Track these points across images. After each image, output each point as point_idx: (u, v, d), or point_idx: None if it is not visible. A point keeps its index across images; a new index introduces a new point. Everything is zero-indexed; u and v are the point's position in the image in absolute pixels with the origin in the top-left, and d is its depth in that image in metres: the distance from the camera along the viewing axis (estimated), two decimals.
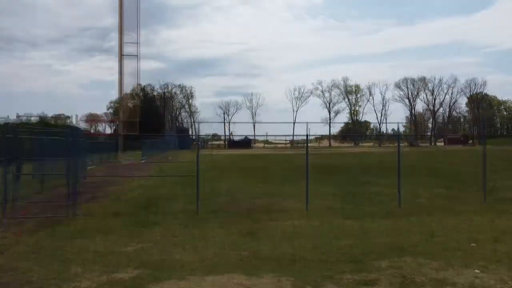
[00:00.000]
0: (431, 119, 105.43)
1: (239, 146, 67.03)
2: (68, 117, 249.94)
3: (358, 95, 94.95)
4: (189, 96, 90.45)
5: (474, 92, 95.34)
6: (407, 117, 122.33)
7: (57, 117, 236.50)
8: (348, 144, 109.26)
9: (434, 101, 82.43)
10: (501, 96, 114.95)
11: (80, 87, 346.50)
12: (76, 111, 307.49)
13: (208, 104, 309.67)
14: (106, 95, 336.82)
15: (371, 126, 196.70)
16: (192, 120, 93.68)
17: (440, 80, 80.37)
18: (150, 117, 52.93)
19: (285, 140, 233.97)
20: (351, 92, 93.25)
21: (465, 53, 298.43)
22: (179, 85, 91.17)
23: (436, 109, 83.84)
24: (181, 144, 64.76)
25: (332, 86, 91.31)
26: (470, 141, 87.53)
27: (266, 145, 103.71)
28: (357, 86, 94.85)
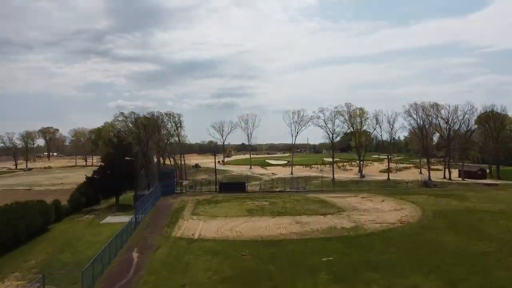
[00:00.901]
0: (436, 134, 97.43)
1: (232, 190, 58.61)
2: (57, 130, 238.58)
3: (363, 119, 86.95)
4: (177, 124, 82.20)
5: (485, 111, 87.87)
6: (410, 130, 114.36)
7: (45, 130, 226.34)
8: (351, 166, 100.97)
9: (449, 130, 73.98)
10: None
11: (75, 89, 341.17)
12: (72, 113, 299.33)
13: (204, 106, 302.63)
14: (101, 97, 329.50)
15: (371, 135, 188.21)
16: (181, 150, 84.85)
17: (456, 108, 72.27)
18: (125, 167, 44.39)
19: (284, 153, 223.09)
20: (355, 116, 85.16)
21: (460, 54, 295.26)
22: (167, 113, 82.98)
23: (451, 138, 75.09)
24: (165, 189, 56.40)
25: (335, 113, 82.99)
26: (487, 170, 79.59)
27: (263, 172, 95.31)
28: (361, 109, 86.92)
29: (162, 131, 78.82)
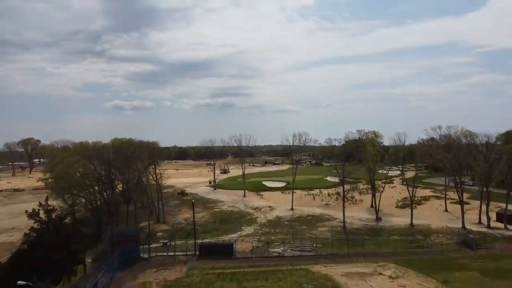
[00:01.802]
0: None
1: (216, 255, 44.71)
2: (39, 141, 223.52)
3: (377, 144, 73.19)
4: (152, 150, 67.77)
5: None
6: (421, 141, 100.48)
7: (26, 141, 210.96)
8: (360, 194, 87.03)
9: (489, 165, 59.45)
10: None
11: (73, 89, 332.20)
12: (69, 114, 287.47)
13: (202, 106, 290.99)
14: (99, 97, 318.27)
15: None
16: (159, 193, 69.46)
17: (497, 138, 57.79)
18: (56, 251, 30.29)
19: (282, 162, 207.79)
20: (368, 142, 71.33)
21: (457, 53, 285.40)
22: (141, 141, 68.83)
23: (487, 175, 60.52)
24: (126, 257, 42.34)
25: (346, 141, 69.00)
26: None
27: (258, 205, 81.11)
28: (374, 133, 73.10)
29: (137, 164, 64.44)
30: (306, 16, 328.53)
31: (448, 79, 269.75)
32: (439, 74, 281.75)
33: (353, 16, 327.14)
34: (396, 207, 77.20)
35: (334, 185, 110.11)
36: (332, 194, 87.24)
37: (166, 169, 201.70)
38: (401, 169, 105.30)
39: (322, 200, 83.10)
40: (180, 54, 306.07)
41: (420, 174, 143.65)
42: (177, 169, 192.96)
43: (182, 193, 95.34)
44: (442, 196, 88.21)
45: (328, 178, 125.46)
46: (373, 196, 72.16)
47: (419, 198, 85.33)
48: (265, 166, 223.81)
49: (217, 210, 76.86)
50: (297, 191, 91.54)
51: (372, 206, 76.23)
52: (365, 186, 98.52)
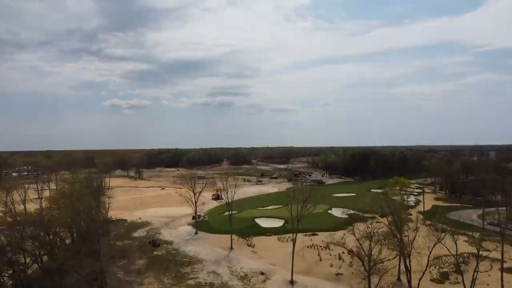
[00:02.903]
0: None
1: None
2: (12, 154, 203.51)
3: (403, 194, 54.22)
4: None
5: None
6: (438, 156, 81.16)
7: None
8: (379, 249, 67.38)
9: None
10: None
11: (70, 88, 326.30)
12: (67, 113, 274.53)
13: (199, 105, 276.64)
14: (96, 96, 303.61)
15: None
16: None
17: None
18: None
19: (280, 175, 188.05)
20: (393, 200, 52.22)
21: (455, 53, 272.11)
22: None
23: None
24: None
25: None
26: None
27: (247, 270, 61.67)
28: (399, 180, 53.86)
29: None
30: (304, 16, 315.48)
31: (446, 79, 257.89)
32: (437, 74, 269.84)
33: (350, 15, 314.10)
34: (431, 279, 57.86)
35: (342, 224, 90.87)
36: (344, 253, 67.41)
37: (151, 187, 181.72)
38: (420, 195, 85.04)
39: (331, 265, 63.28)
40: (177, 54, 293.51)
41: (440, 203, 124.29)
42: (163, 188, 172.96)
43: (154, 243, 75.58)
44: (486, 254, 69.11)
45: (333, 212, 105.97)
46: (405, 267, 52.89)
47: (457, 257, 65.37)
48: (260, 181, 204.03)
49: (191, 282, 57.24)
50: (300, 238, 72.20)
51: (399, 278, 57.29)
52: (381, 225, 78.51)
